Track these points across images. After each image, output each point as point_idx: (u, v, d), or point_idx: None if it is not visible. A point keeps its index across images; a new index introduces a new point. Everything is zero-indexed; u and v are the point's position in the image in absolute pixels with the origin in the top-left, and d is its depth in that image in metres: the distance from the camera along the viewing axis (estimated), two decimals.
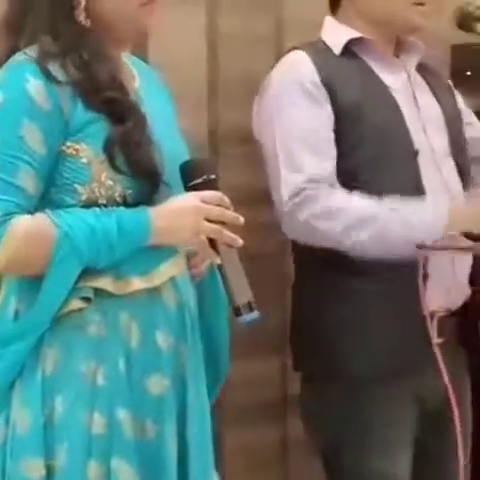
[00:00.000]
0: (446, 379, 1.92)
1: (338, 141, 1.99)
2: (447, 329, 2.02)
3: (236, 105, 2.18)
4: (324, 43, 2.02)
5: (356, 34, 2.01)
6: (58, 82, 1.63)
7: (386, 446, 1.99)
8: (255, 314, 1.63)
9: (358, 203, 1.96)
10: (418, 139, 2.03)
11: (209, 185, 1.66)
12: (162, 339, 1.68)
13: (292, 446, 2.31)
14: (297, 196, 1.94)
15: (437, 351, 1.94)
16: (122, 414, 1.66)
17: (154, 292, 1.67)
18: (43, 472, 1.66)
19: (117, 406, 1.66)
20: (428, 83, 2.11)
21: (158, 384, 1.68)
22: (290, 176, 1.96)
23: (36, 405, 1.66)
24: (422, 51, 2.09)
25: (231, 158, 2.15)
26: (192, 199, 1.66)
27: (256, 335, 2.04)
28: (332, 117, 1.97)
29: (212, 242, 1.65)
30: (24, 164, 1.61)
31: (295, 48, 2.02)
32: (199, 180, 1.66)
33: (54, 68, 1.64)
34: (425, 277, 1.95)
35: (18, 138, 1.61)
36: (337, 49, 2.01)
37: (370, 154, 1.99)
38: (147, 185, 1.68)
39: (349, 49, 2.02)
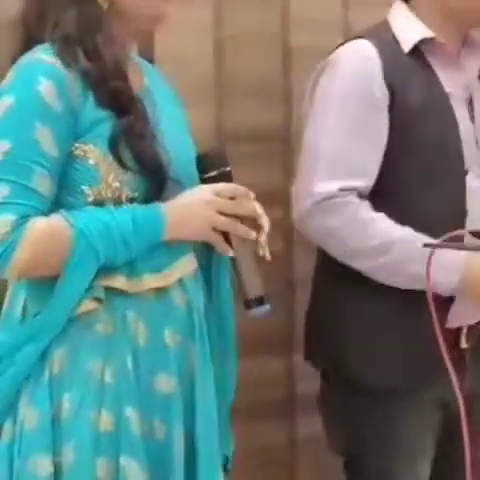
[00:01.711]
0: (456, 385, 1.84)
1: (388, 147, 1.91)
2: (473, 335, 2.01)
3: (242, 103, 2.18)
4: (394, 36, 1.91)
5: (429, 33, 1.91)
6: (71, 70, 1.63)
7: (409, 453, 2.00)
8: (266, 307, 1.64)
9: (384, 223, 1.90)
10: (469, 153, 1.97)
11: (224, 178, 1.66)
12: (170, 337, 1.69)
13: (300, 445, 2.31)
14: (326, 201, 1.89)
15: (447, 358, 1.85)
16: (130, 412, 1.67)
17: (162, 291, 1.68)
18: (51, 469, 1.66)
19: (125, 404, 1.67)
20: None
21: (166, 383, 1.69)
22: (325, 180, 1.91)
23: (44, 403, 1.67)
24: None
25: (237, 156, 2.18)
26: (205, 192, 1.67)
27: (263, 334, 2.04)
28: (387, 124, 1.89)
29: (226, 235, 1.65)
30: (39, 167, 1.64)
31: (361, 37, 1.91)
32: (214, 173, 1.66)
33: (69, 56, 1.64)
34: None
35: (32, 142, 1.63)
36: (407, 47, 1.91)
37: (415, 168, 1.93)
38: (154, 183, 1.68)
39: (417, 47, 1.93)
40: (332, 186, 1.88)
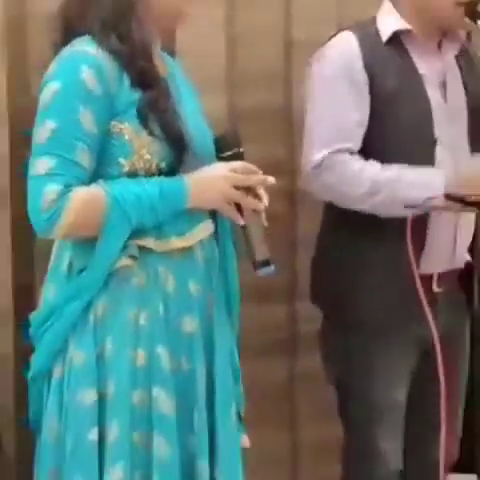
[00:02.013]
0: (431, 322, 2.12)
1: (370, 122, 2.12)
2: (448, 281, 2.21)
3: (250, 88, 2.36)
4: (376, 29, 2.14)
5: (404, 25, 2.13)
6: (110, 57, 1.77)
7: (387, 380, 2.18)
8: (271, 268, 1.82)
9: (371, 171, 2.09)
10: (439, 129, 2.14)
11: (237, 157, 1.85)
12: (193, 287, 1.86)
13: (299, 378, 2.47)
14: (322, 164, 2.09)
15: (423, 300, 2.11)
16: (160, 350, 1.82)
17: (187, 250, 1.86)
18: (95, 399, 1.81)
19: (156, 343, 1.82)
20: (462, 71, 2.20)
21: (189, 324, 1.86)
22: (319, 148, 2.11)
23: (89, 346, 1.82)
24: (462, 41, 2.19)
25: (247, 134, 2.26)
26: (222, 169, 1.84)
27: (269, 286, 2.25)
28: (368, 101, 2.10)
29: (238, 206, 1.82)
30: (81, 143, 1.78)
31: (347, 29, 2.15)
32: (229, 152, 1.85)
33: (105, 41, 1.79)
34: (422, 239, 2.12)
35: (75, 121, 1.78)
36: (385, 37, 2.13)
37: (391, 141, 2.11)
38: (177, 151, 1.83)
39: (396, 36, 2.14)
40: (325, 151, 2.10)
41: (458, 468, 2.43)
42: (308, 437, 2.50)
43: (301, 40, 2.37)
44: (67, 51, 1.81)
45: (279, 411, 2.46)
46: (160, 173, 1.83)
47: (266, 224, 1.83)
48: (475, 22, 2.13)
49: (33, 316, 1.91)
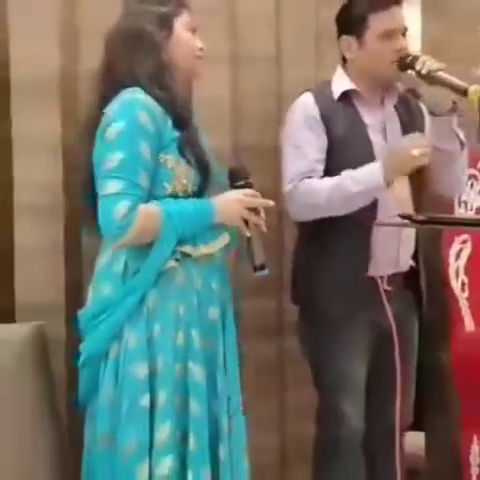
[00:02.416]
0: (390, 313, 2.47)
1: (327, 161, 2.46)
2: (396, 281, 2.51)
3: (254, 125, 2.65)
4: (330, 89, 2.50)
5: (351, 86, 2.49)
6: (156, 103, 2.06)
7: (348, 355, 2.48)
8: (266, 271, 2.15)
9: (326, 181, 2.40)
10: None
11: (248, 186, 2.20)
12: (214, 285, 2.19)
13: (288, 356, 2.71)
14: (292, 193, 2.44)
15: (383, 294, 2.48)
16: (194, 333, 2.13)
17: (210, 256, 2.17)
18: (147, 372, 2.07)
19: (191, 327, 2.12)
20: (400, 116, 2.52)
21: (213, 312, 2.18)
22: (289, 179, 2.46)
23: (142, 330, 2.09)
24: (398, 91, 2.53)
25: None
26: (238, 194, 2.17)
27: (262, 283, 2.44)
28: (326, 144, 2.46)
29: (246, 222, 2.17)
30: (142, 170, 2.08)
31: (308, 90, 2.50)
32: (242, 182, 2.20)
33: (153, 94, 2.08)
34: (370, 249, 2.43)
35: (138, 153, 2.07)
36: (336, 95, 2.50)
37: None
38: (205, 176, 2.13)
39: (346, 94, 2.50)
40: (294, 183, 2.44)
41: (413, 428, 2.75)
42: (293, 401, 2.75)
43: (289, 95, 2.66)
44: (124, 98, 2.10)
45: (270, 381, 2.71)
46: (193, 195, 2.15)
47: (265, 230, 2.15)
48: (405, 71, 2.45)
49: (84, 311, 2.16)
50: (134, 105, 2.09)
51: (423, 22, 3.03)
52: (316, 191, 2.44)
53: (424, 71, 2.40)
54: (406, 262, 2.57)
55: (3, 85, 2.50)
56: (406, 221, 2.26)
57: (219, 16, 2.60)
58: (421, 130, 2.54)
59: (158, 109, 2.11)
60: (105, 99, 2.14)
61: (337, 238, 2.47)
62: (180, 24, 2.20)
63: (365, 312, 2.49)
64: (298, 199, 2.46)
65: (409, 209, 2.45)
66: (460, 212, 2.73)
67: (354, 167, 2.45)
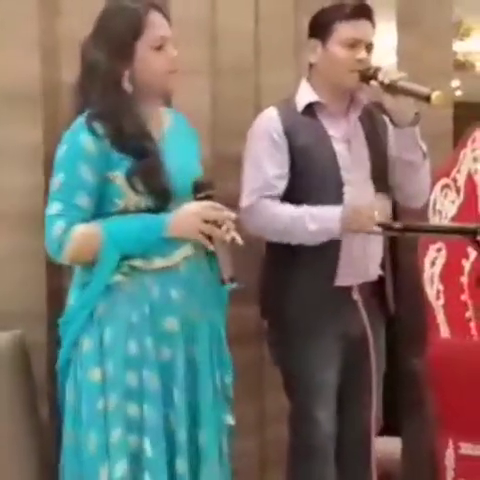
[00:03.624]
0: (365, 320, 2.52)
1: (291, 173, 2.49)
2: (365, 290, 2.55)
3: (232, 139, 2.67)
4: (294, 101, 2.54)
5: (314, 98, 2.53)
6: (99, 136, 2.10)
7: (318, 363, 2.52)
8: (233, 285, 2.10)
9: (287, 211, 2.43)
10: (346, 173, 2.52)
11: (208, 198, 2.16)
12: (175, 294, 2.15)
13: (267, 361, 2.72)
14: (249, 210, 2.46)
15: (360, 304, 2.53)
16: (148, 341, 2.12)
17: (171, 266, 2.14)
18: (99, 377, 2.10)
19: (144, 336, 2.12)
20: (364, 128, 2.57)
21: (171, 323, 2.15)
22: (247, 194, 2.49)
23: (93, 336, 2.13)
24: (363, 103, 2.58)
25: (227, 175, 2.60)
26: (194, 207, 2.14)
27: (243, 293, 2.44)
28: (287, 157, 2.49)
29: (209, 236, 2.11)
30: (82, 191, 2.12)
31: (273, 105, 2.55)
32: (202, 195, 2.17)
33: (97, 126, 2.11)
34: (337, 261, 2.47)
35: (77, 175, 2.11)
36: (300, 108, 2.55)
37: (310, 184, 2.50)
38: (160, 200, 2.13)
39: (310, 106, 2.54)
40: (252, 198, 2.47)
41: (387, 432, 2.80)
42: (271, 405, 2.80)
43: (267, 105, 2.67)
44: (74, 123, 2.16)
45: (250, 386, 2.75)
46: (149, 209, 2.13)
47: (241, 242, 2.11)
48: (368, 83, 2.51)
49: (61, 319, 2.21)
50: (79, 129, 2.15)
51: (398, 37, 3.11)
52: (276, 216, 2.47)
53: (386, 81, 2.45)
54: (374, 271, 2.62)
55: None
56: (379, 230, 2.33)
57: (199, 27, 2.63)
58: (384, 141, 2.59)
59: (101, 134, 2.14)
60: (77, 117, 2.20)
61: (304, 250, 2.50)
62: (143, 45, 2.16)
63: (335, 323, 2.53)
64: (257, 218, 2.48)
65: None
66: (435, 221, 2.77)
67: (320, 179, 2.49)
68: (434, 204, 2.80)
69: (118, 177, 2.14)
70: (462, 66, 6.42)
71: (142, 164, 2.12)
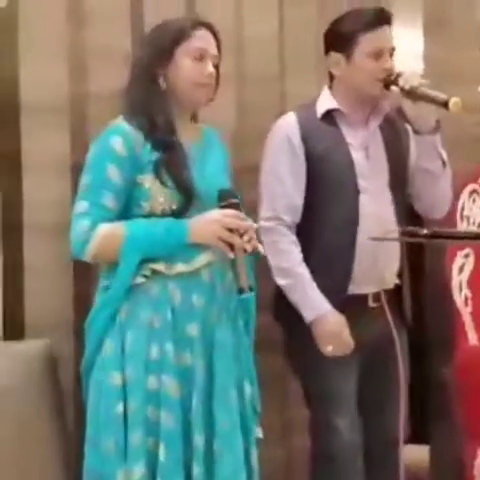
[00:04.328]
0: (392, 324, 2.49)
1: (307, 178, 2.47)
2: (384, 299, 2.53)
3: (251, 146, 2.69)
4: (314, 108, 2.54)
5: (335, 105, 2.52)
6: (134, 128, 2.14)
7: (337, 371, 2.50)
8: (249, 293, 2.10)
9: (292, 260, 2.43)
10: (362, 182, 2.51)
11: (232, 206, 2.16)
12: (196, 300, 2.17)
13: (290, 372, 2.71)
14: (269, 228, 2.44)
15: (388, 310, 2.50)
16: (168, 347, 2.12)
17: (193, 272, 2.16)
18: (120, 381, 2.11)
19: (166, 341, 2.12)
20: (384, 136, 2.55)
21: (192, 328, 2.16)
22: (267, 208, 2.47)
23: (116, 340, 2.14)
24: (384, 111, 2.55)
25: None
26: (217, 214, 2.16)
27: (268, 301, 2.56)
28: (304, 164, 2.48)
29: (231, 244, 2.11)
30: (109, 191, 2.14)
31: (293, 109, 2.55)
32: (224, 203, 2.17)
33: (133, 119, 2.15)
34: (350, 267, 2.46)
35: (104, 175, 2.14)
36: (319, 114, 2.54)
37: (326, 190, 2.49)
38: (185, 197, 2.14)
39: (330, 113, 2.53)
40: (270, 213, 2.45)
41: (416, 441, 2.79)
42: (296, 416, 2.78)
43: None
44: (108, 126, 2.21)
45: (274, 395, 2.74)
46: (173, 213, 2.15)
47: (263, 251, 2.15)
48: (388, 89, 2.49)
49: (85, 322, 2.23)
50: (110, 131, 2.20)
51: (425, 41, 3.08)
52: (285, 256, 2.47)
53: (407, 87, 2.44)
54: (391, 280, 2.59)
55: (13, 106, 2.55)
56: (395, 236, 2.37)
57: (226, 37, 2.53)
58: (405, 150, 2.58)
59: (136, 135, 2.18)
60: None
61: (317, 259, 2.50)
62: (183, 52, 2.23)
63: (351, 331, 2.51)
64: (265, 239, 2.45)
65: None
66: (463, 227, 2.75)
67: (336, 185, 2.48)
68: (462, 210, 2.78)
69: (146, 180, 2.16)
70: None
71: (168, 156, 2.16)
